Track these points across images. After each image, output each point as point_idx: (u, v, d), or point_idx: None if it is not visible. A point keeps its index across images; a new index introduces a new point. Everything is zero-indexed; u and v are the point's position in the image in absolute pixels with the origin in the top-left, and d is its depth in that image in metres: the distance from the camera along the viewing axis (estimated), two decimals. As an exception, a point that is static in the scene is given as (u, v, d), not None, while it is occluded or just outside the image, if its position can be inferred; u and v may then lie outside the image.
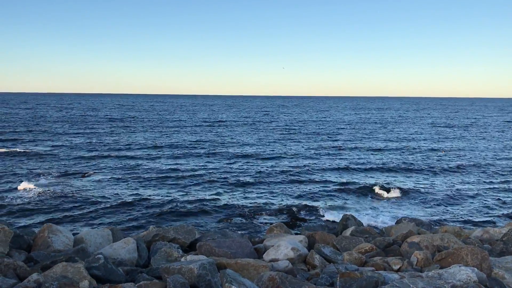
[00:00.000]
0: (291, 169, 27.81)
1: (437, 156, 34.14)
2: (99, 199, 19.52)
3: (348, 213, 14.83)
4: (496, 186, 23.85)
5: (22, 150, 33.30)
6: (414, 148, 38.93)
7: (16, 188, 21.09)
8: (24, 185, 21.63)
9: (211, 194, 20.92)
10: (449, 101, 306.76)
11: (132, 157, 31.24)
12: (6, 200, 19.01)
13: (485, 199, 21.04)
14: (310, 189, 22.26)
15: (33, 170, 25.48)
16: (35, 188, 21.24)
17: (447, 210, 18.99)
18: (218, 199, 20.21)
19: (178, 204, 19.22)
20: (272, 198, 20.56)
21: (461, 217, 18.10)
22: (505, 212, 18.87)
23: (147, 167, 27.55)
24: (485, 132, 56.04)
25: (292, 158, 32.35)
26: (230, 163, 29.34)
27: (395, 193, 21.61)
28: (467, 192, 22.47)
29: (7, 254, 7.12)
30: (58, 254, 7.26)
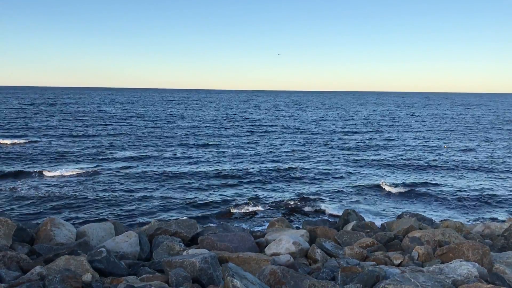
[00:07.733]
0: (293, 164, 27.82)
1: (440, 151, 34.10)
2: (101, 193, 19.58)
3: (349, 208, 14.86)
4: (497, 182, 23.83)
5: (25, 145, 33.38)
6: (417, 144, 38.87)
7: (19, 182, 21.16)
8: (27, 178, 21.71)
9: (213, 189, 20.96)
10: (457, 96, 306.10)
11: (134, 153, 31.28)
12: (9, 193, 19.09)
13: (487, 194, 21.02)
14: (311, 184, 22.29)
15: (36, 164, 25.55)
16: (38, 182, 21.32)
17: (449, 205, 19.00)
18: (220, 193, 20.25)
19: (181, 198, 19.28)
20: (273, 192, 20.60)
21: (463, 212, 18.12)
22: (507, 207, 18.86)
23: (149, 162, 27.61)
24: (492, 128, 55.68)
25: (294, 154, 32.35)
26: (233, 159, 29.38)
27: (397, 189, 21.61)
28: (468, 187, 22.45)
29: (10, 247, 7.17)
30: (61, 247, 7.31)
